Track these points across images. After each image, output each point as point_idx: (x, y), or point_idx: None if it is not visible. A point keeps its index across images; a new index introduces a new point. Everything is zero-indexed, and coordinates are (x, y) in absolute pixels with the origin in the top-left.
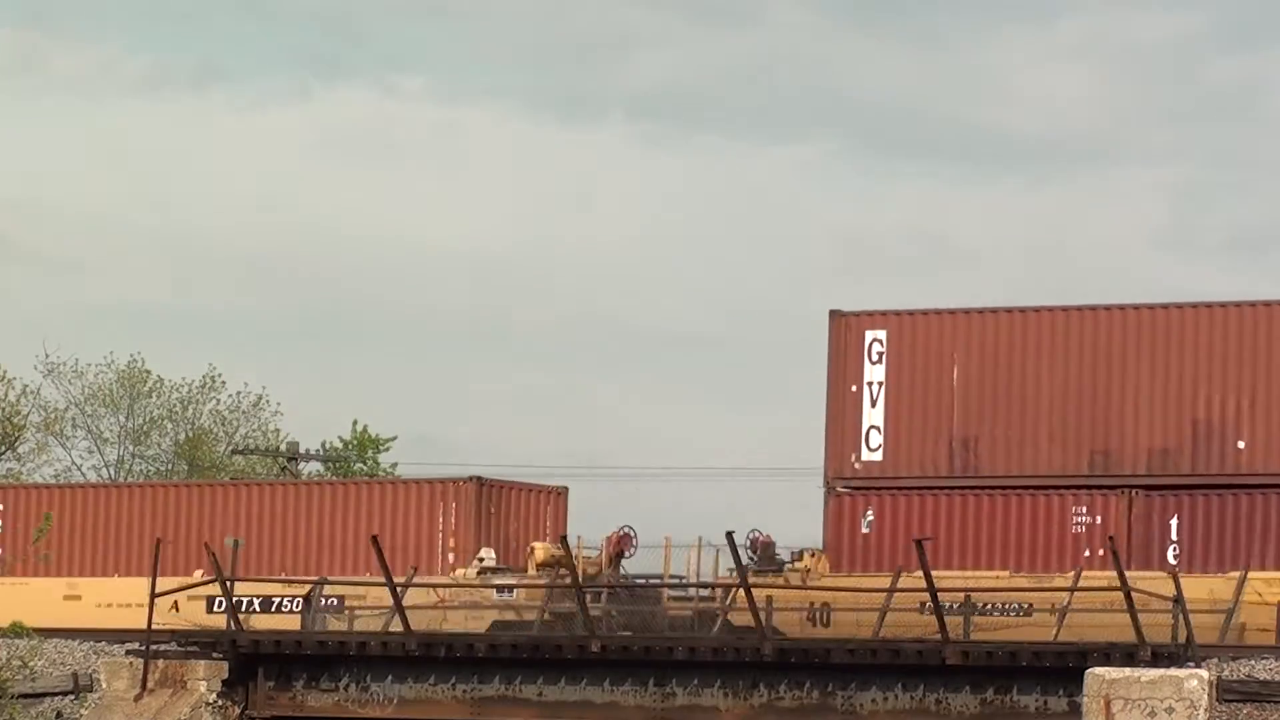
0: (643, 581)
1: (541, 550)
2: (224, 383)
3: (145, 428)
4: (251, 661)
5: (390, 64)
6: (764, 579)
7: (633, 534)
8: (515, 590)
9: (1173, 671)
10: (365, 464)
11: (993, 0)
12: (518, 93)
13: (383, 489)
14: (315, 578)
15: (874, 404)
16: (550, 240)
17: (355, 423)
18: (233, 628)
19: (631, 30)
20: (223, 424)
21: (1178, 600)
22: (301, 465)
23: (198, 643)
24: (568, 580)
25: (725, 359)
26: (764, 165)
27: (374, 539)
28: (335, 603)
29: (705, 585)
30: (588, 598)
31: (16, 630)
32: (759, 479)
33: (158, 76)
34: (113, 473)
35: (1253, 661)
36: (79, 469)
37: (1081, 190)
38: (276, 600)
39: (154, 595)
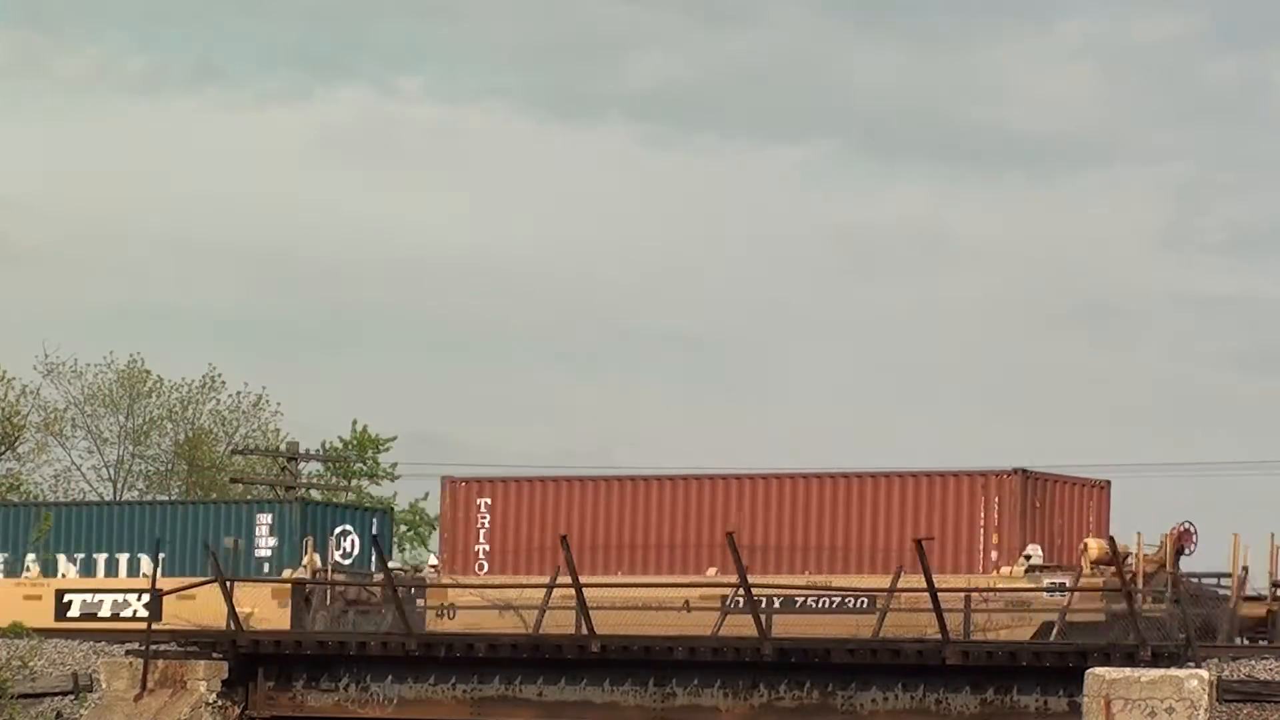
0: (1197, 580)
1: (1096, 547)
2: (224, 383)
3: (145, 428)
4: (251, 661)
5: (390, 64)
6: None
7: (1193, 530)
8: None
9: (1173, 671)
10: (365, 464)
11: (993, 0)
12: (518, 93)
13: (917, 482)
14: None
15: None
16: (550, 240)
17: (355, 423)
18: (232, 628)
19: (631, 30)
20: (223, 424)
21: (1178, 601)
22: (301, 465)
23: (198, 643)
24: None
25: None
26: (764, 165)
27: (374, 539)
28: None
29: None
30: (1146, 600)
31: (16, 630)
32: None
33: (157, 76)
34: (113, 473)
35: (1253, 661)
36: (79, 469)
37: (1082, 190)
38: (800, 599)
39: (155, 595)
